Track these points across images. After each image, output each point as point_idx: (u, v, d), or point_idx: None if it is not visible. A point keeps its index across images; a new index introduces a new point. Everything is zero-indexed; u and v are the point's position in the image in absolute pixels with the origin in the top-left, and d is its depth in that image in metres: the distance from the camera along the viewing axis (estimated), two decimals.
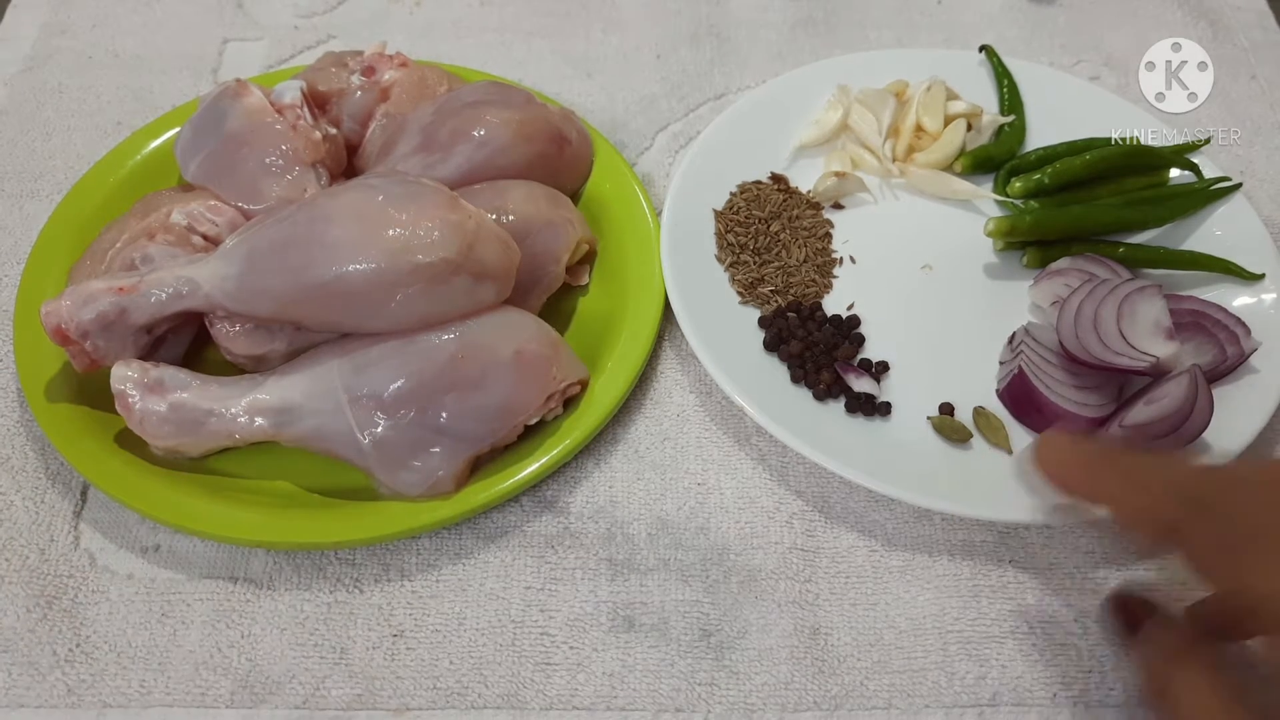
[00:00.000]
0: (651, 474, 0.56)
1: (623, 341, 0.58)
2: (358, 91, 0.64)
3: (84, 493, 0.55)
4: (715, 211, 0.64)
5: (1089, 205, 0.63)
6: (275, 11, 0.79)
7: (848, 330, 0.60)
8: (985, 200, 0.66)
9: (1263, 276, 0.61)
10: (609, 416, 0.55)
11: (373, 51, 0.66)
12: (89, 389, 0.55)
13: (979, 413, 0.57)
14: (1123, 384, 0.56)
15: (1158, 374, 0.54)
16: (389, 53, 0.66)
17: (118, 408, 0.51)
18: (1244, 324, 0.57)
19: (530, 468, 0.53)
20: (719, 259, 0.62)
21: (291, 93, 0.61)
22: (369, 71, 0.65)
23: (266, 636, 0.50)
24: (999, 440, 0.55)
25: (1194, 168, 0.65)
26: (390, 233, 0.50)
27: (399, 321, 0.52)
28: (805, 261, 0.62)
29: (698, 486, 0.56)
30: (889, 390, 0.58)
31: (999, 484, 0.52)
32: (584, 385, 0.56)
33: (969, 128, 0.68)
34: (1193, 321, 0.57)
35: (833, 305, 0.61)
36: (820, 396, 0.57)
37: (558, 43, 0.77)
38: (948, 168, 0.67)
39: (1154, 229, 0.64)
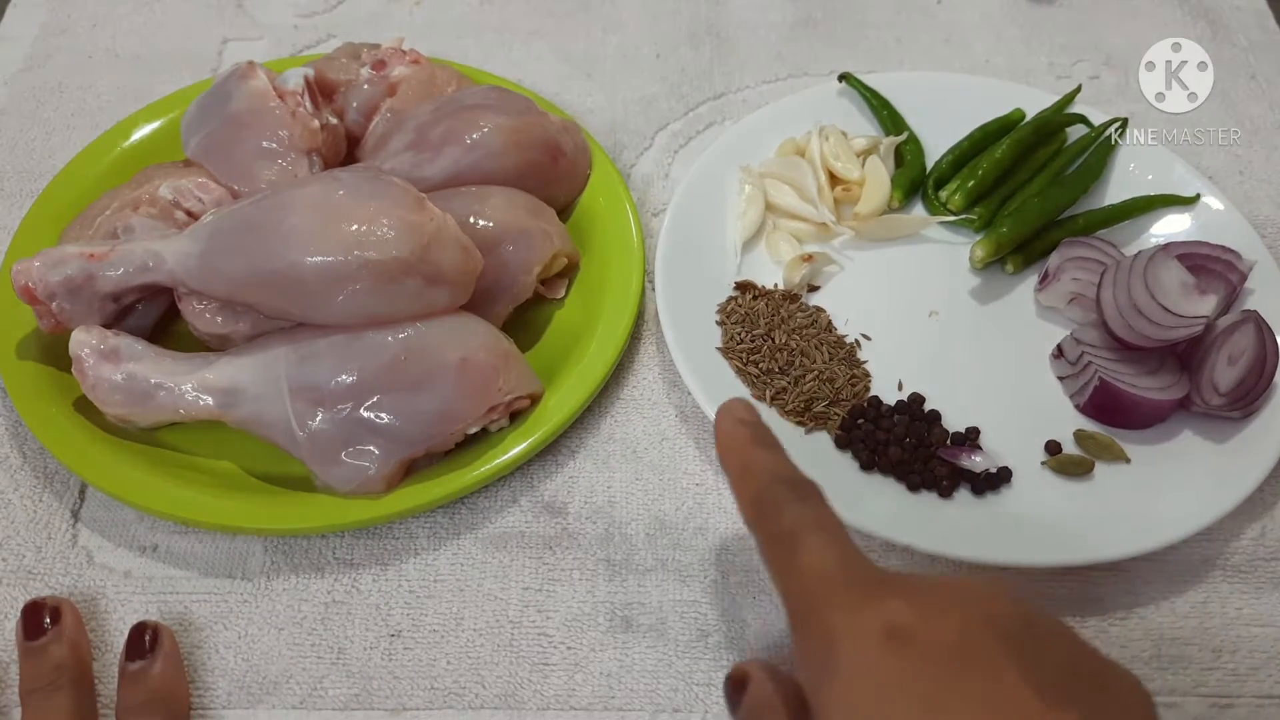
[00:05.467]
0: (650, 474, 0.56)
1: (585, 360, 0.56)
2: (365, 84, 0.64)
3: (82, 491, 0.55)
4: (720, 350, 0.58)
5: (1040, 196, 0.64)
6: (275, 11, 0.79)
7: (919, 412, 0.56)
8: (932, 225, 0.65)
9: (1198, 197, 0.64)
10: (555, 433, 0.54)
11: (388, 46, 0.66)
12: (55, 350, 0.56)
13: (1083, 436, 0.55)
14: (1178, 354, 0.57)
15: (1208, 328, 0.55)
16: (404, 49, 0.66)
17: (74, 371, 0.52)
18: (1231, 249, 0.58)
19: (465, 479, 0.52)
20: (757, 397, 0.57)
21: (295, 79, 0.61)
22: (379, 65, 0.65)
23: (264, 636, 0.50)
24: (1117, 455, 0.54)
25: (1083, 119, 0.68)
26: (344, 227, 0.50)
27: (346, 316, 0.52)
28: (831, 360, 0.58)
29: (696, 487, 0.56)
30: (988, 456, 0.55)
31: (1153, 503, 0.52)
32: (535, 399, 0.55)
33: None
34: (1192, 265, 0.57)
35: (881, 392, 0.57)
36: (947, 493, 0.53)
37: (558, 43, 0.77)
38: (888, 207, 0.66)
39: (1090, 191, 0.66)
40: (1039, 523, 0.52)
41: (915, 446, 0.54)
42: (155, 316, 0.58)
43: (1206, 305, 0.55)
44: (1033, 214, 0.63)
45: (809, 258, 0.62)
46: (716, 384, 0.56)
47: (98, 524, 0.54)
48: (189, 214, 0.58)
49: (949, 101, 0.69)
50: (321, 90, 0.63)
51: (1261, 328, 0.54)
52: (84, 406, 0.54)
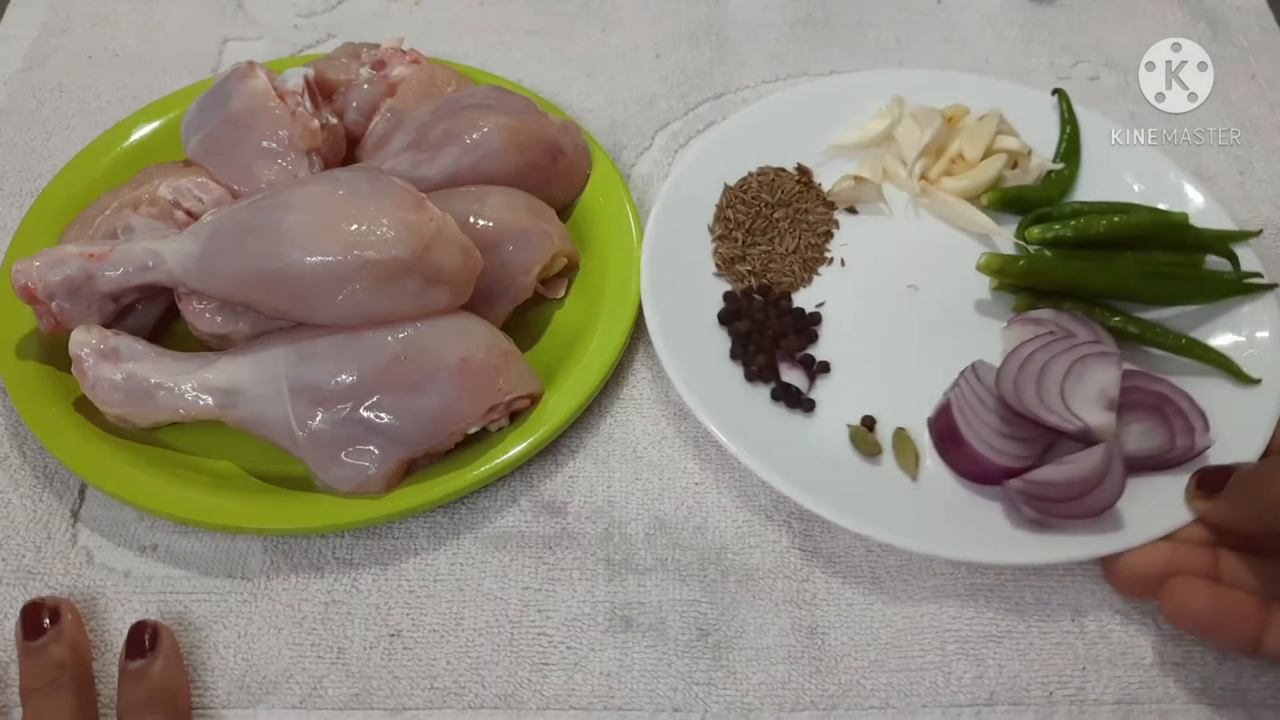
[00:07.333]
0: (650, 474, 0.56)
1: (585, 360, 0.57)
2: (365, 84, 0.64)
3: (82, 491, 0.55)
4: (726, 185, 0.65)
5: (1094, 263, 0.59)
6: (275, 11, 0.79)
7: (804, 325, 0.60)
8: (1002, 238, 0.63)
9: (1259, 382, 0.56)
10: (555, 433, 0.54)
11: (388, 46, 0.66)
12: (55, 350, 0.56)
13: (900, 434, 0.55)
14: (1053, 444, 0.54)
15: (1089, 441, 0.51)
16: (404, 49, 0.66)
17: (74, 371, 0.53)
18: (1205, 419, 0.53)
19: (465, 478, 0.52)
20: (710, 229, 0.63)
21: (295, 79, 0.61)
22: (379, 65, 0.65)
23: (263, 636, 0.50)
24: (907, 464, 0.54)
25: (1232, 256, 0.60)
26: (344, 226, 0.50)
27: (346, 316, 0.52)
28: (793, 253, 0.63)
29: (695, 486, 0.56)
30: (824, 392, 0.57)
31: (897, 505, 0.52)
32: (534, 399, 0.55)
33: (1013, 165, 0.65)
34: (1155, 405, 0.54)
35: (804, 300, 0.61)
36: (750, 378, 0.57)
37: (557, 43, 0.77)
38: (974, 198, 0.65)
39: (1164, 308, 0.60)
40: (807, 455, 0.54)
41: (769, 338, 0.58)
42: (155, 316, 0.58)
43: (1099, 419, 0.51)
44: (1065, 269, 0.58)
45: (859, 179, 0.65)
46: (690, 194, 0.62)
47: (98, 524, 0.54)
48: (189, 214, 0.58)
49: (1135, 172, 0.66)
50: (321, 90, 0.63)
51: (1109, 458, 0.50)
52: (84, 406, 0.54)
